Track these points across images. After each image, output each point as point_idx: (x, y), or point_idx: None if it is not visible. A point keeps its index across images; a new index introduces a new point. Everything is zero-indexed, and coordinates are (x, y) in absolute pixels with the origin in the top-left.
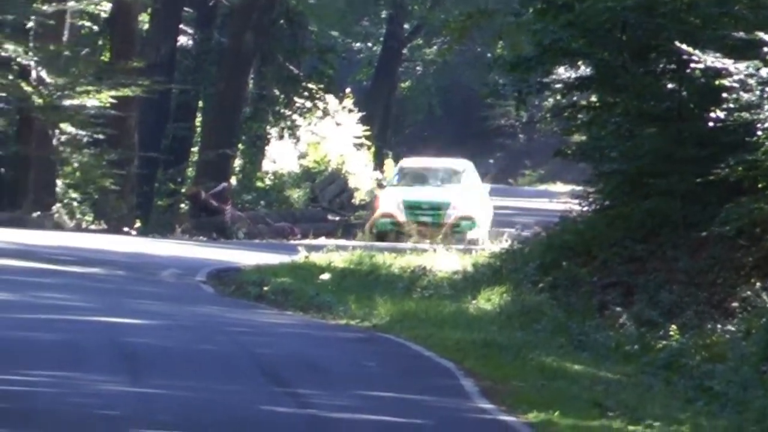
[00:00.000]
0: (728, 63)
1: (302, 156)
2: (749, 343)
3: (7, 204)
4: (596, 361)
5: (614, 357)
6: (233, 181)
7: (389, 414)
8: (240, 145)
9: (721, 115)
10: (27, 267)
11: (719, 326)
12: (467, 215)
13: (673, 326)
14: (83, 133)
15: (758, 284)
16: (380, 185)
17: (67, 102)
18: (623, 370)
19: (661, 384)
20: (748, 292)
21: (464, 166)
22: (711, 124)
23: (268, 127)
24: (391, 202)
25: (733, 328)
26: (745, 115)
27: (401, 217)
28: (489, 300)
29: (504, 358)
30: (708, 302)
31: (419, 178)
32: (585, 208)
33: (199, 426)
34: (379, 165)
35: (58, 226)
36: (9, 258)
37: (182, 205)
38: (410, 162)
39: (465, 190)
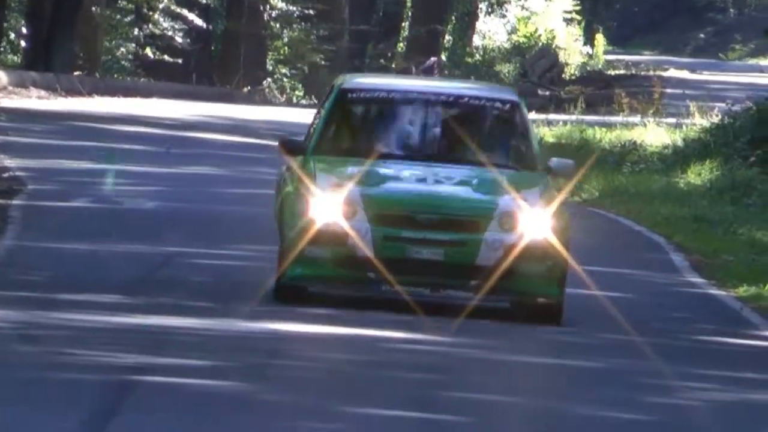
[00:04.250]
0: None
1: (512, 31)
2: None
3: (217, 79)
4: None
5: None
6: (443, 56)
7: (601, 288)
8: (450, 21)
9: None
10: (235, 141)
11: None
12: (541, 244)
13: None
14: (293, 8)
15: None
16: (288, 147)
17: None
18: None
19: None
20: None
21: (511, 101)
22: None
23: (478, 2)
24: (334, 204)
25: None
26: None
27: (365, 248)
28: (699, 175)
29: (714, 232)
30: None
31: (398, 133)
32: None
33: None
34: (589, 39)
35: (268, 102)
36: (218, 132)
37: None
38: (363, 81)
39: (523, 174)
